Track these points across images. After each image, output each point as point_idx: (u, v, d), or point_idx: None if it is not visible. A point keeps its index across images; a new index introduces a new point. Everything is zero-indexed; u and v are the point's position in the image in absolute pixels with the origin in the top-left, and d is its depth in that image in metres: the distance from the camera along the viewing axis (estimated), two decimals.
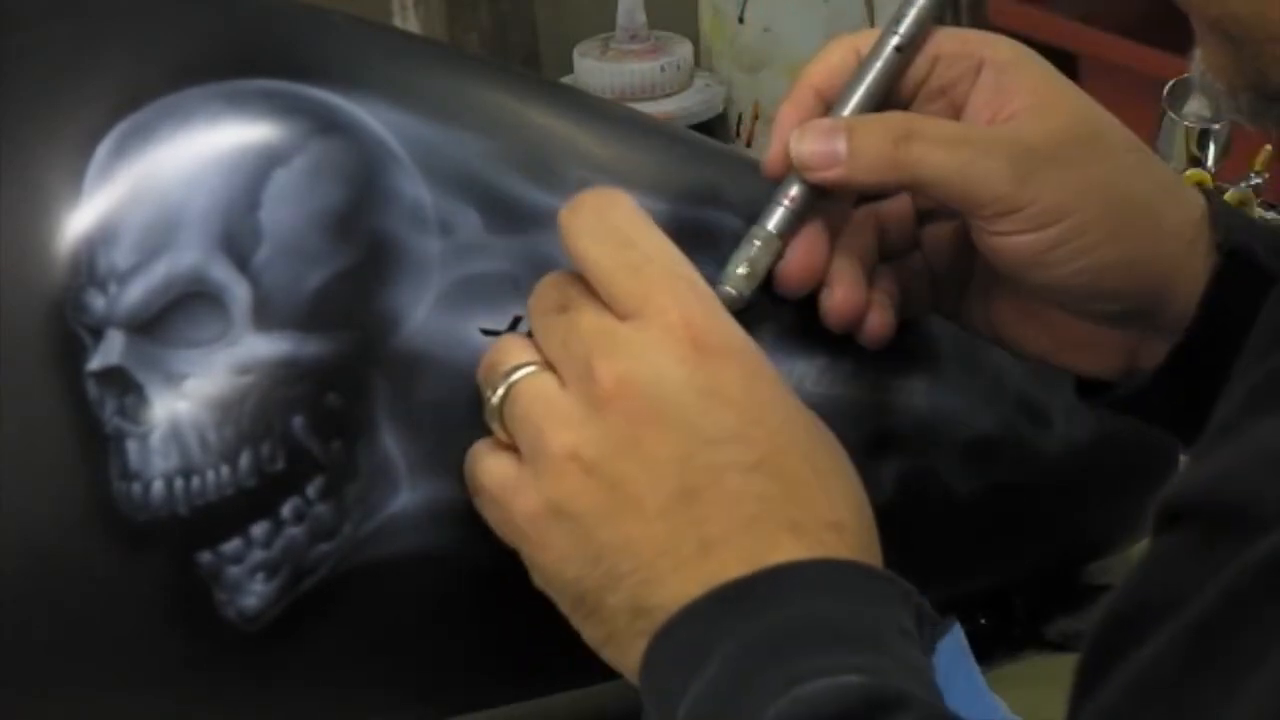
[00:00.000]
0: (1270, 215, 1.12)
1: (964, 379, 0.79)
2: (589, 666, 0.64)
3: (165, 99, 0.66)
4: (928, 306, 0.76)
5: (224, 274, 0.65)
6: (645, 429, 0.62)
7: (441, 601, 0.70)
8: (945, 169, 0.68)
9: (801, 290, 0.71)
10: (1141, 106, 1.01)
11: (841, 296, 0.71)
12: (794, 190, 0.70)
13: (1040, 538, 0.88)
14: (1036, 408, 0.82)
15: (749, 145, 1.22)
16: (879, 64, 0.70)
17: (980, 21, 1.32)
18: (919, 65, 0.71)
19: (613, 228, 0.65)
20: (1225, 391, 0.55)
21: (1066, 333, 0.73)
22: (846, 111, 0.70)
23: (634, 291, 0.64)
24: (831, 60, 0.71)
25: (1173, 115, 1.11)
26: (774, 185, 0.70)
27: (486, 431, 0.66)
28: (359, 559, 0.67)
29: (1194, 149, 1.12)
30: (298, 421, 0.66)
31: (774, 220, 0.70)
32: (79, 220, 0.65)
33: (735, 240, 0.70)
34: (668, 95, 1.19)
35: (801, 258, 0.70)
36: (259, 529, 0.66)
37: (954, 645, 0.65)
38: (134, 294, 0.65)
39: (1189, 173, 1.10)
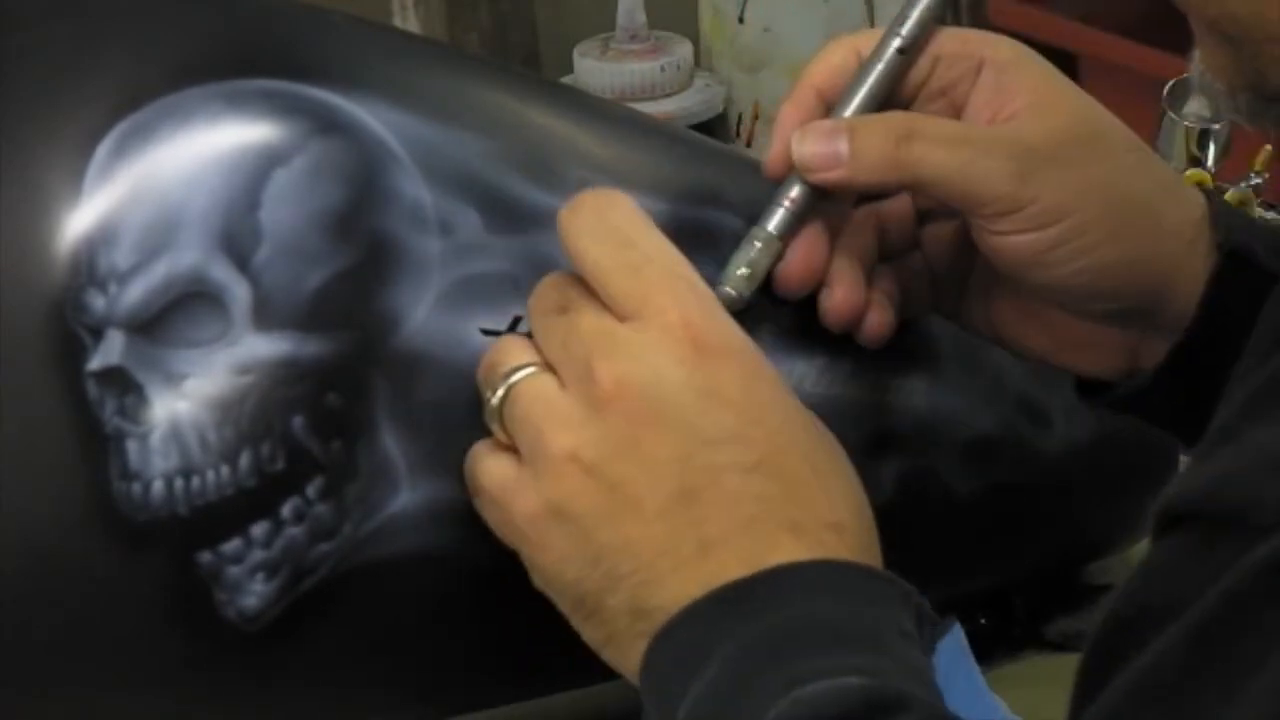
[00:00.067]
0: (1270, 215, 1.12)
1: (964, 379, 0.79)
2: (589, 666, 0.64)
3: (165, 99, 0.66)
4: (927, 306, 0.76)
5: (224, 274, 0.65)
6: (645, 430, 0.62)
7: (441, 601, 0.70)
8: (946, 168, 0.68)
9: (801, 291, 0.71)
10: (1141, 106, 1.01)
11: (841, 297, 0.71)
12: (795, 191, 0.70)
13: (1040, 538, 0.88)
14: (1036, 408, 0.82)
15: (749, 145, 1.22)
16: (881, 65, 0.70)
17: (980, 21, 1.32)
18: (920, 66, 0.71)
19: (612, 228, 0.65)
20: (1225, 394, 0.55)
21: (1066, 332, 0.73)
22: (848, 112, 0.70)
23: (633, 292, 0.64)
24: (832, 60, 0.71)
25: (1173, 115, 1.11)
26: (774, 186, 0.70)
27: (486, 432, 0.66)
28: (359, 559, 0.67)
29: (1194, 149, 1.12)
30: (298, 421, 0.66)
31: (774, 221, 0.70)
32: (79, 220, 0.65)
33: (735, 240, 0.70)
34: (668, 95, 1.19)
35: (801, 259, 0.70)
36: (259, 529, 0.66)
37: (954, 645, 0.65)
38: (134, 294, 0.65)
39: (1189, 173, 1.10)
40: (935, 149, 0.68)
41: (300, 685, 0.69)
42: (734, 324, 0.65)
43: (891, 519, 0.66)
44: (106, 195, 0.65)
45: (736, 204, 0.73)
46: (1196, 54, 0.63)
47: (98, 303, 0.65)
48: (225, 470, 0.65)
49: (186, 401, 0.65)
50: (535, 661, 0.73)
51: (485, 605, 0.70)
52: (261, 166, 0.66)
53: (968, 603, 0.86)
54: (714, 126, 1.20)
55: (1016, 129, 0.69)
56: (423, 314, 0.67)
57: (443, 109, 0.70)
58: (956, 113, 0.71)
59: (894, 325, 0.72)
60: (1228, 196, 1.08)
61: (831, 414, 0.67)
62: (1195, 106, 1.11)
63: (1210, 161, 1.11)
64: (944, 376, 0.78)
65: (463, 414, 0.67)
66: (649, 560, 0.62)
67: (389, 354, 0.67)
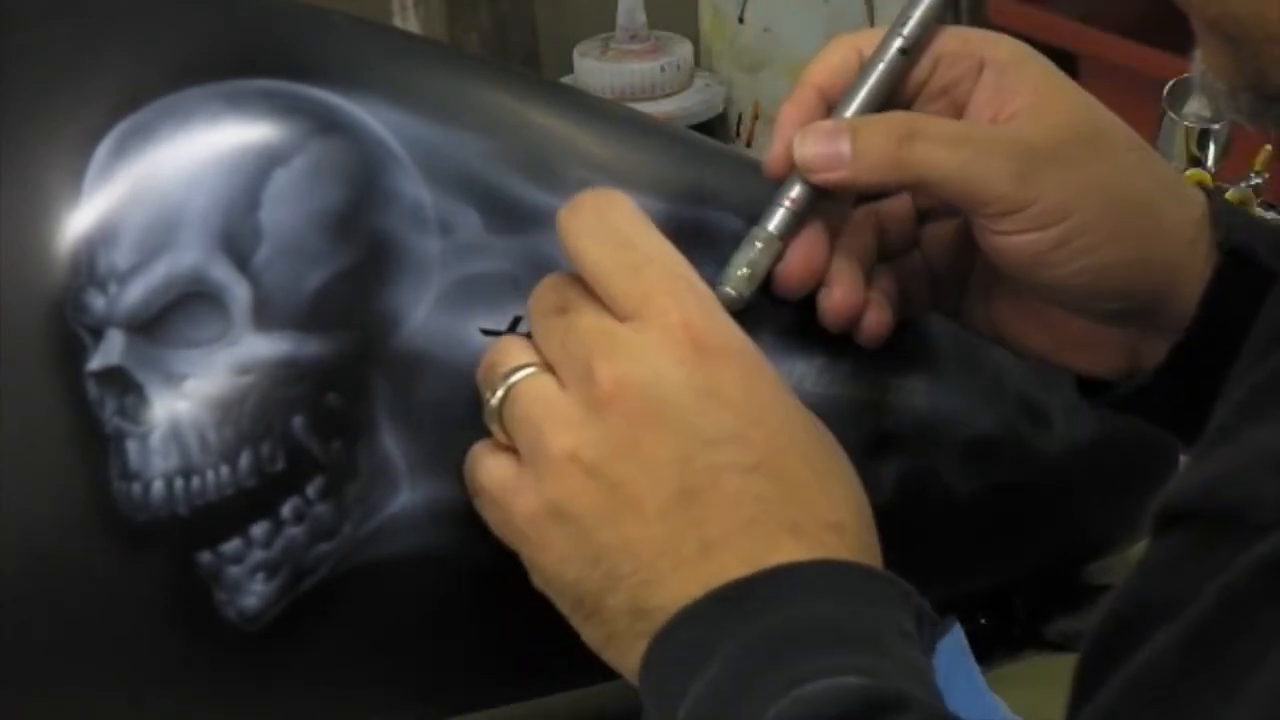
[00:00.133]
0: (1270, 215, 1.12)
1: (964, 379, 0.79)
2: (589, 666, 0.64)
3: (165, 99, 0.66)
4: (927, 306, 0.75)
5: (224, 274, 0.65)
6: (645, 430, 0.62)
7: (441, 601, 0.70)
8: (948, 168, 0.68)
9: (801, 291, 0.71)
10: (1141, 106, 1.01)
11: (840, 297, 0.71)
12: (795, 191, 0.70)
13: (1040, 538, 0.88)
14: (1036, 408, 0.82)
15: (749, 145, 1.22)
16: (883, 65, 0.70)
17: (980, 21, 1.32)
18: (921, 65, 0.71)
19: (612, 228, 0.65)
20: (1224, 392, 0.55)
21: (1067, 332, 0.73)
22: (849, 112, 0.70)
23: (633, 292, 0.64)
24: (833, 60, 0.71)
25: (1173, 115, 1.11)
26: (775, 186, 0.70)
27: (486, 432, 0.66)
28: (359, 559, 0.67)
29: (1194, 149, 1.12)
30: (298, 421, 0.66)
31: (775, 221, 0.70)
32: (79, 220, 0.65)
33: (734, 240, 0.70)
34: (668, 95, 1.19)
35: (801, 259, 0.70)
36: (259, 529, 0.66)
37: (954, 645, 0.65)
38: (134, 294, 0.65)
39: (1189, 173, 1.10)
40: (937, 149, 0.68)
41: (300, 685, 0.69)
42: (734, 324, 0.65)
43: (891, 519, 0.66)
44: (106, 195, 0.65)
45: (736, 204, 0.73)
46: (1197, 54, 0.63)
47: (98, 303, 0.65)
48: (225, 470, 0.65)
49: (186, 401, 0.65)
50: (535, 661, 0.73)
51: (485, 605, 0.70)
52: (261, 166, 0.66)
53: (968, 603, 0.86)
54: (714, 126, 1.20)
55: (1018, 129, 0.69)
56: (423, 314, 0.67)
57: (443, 109, 0.70)
58: (958, 112, 0.71)
59: (893, 325, 0.72)
60: (1228, 196, 1.08)
61: (831, 414, 0.67)
62: (1195, 106, 1.11)
63: (1210, 161, 1.11)
64: (944, 376, 0.78)
65: (463, 414, 0.67)
66: (649, 560, 0.62)
67: (389, 354, 0.67)
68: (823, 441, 0.65)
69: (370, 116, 0.68)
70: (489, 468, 0.65)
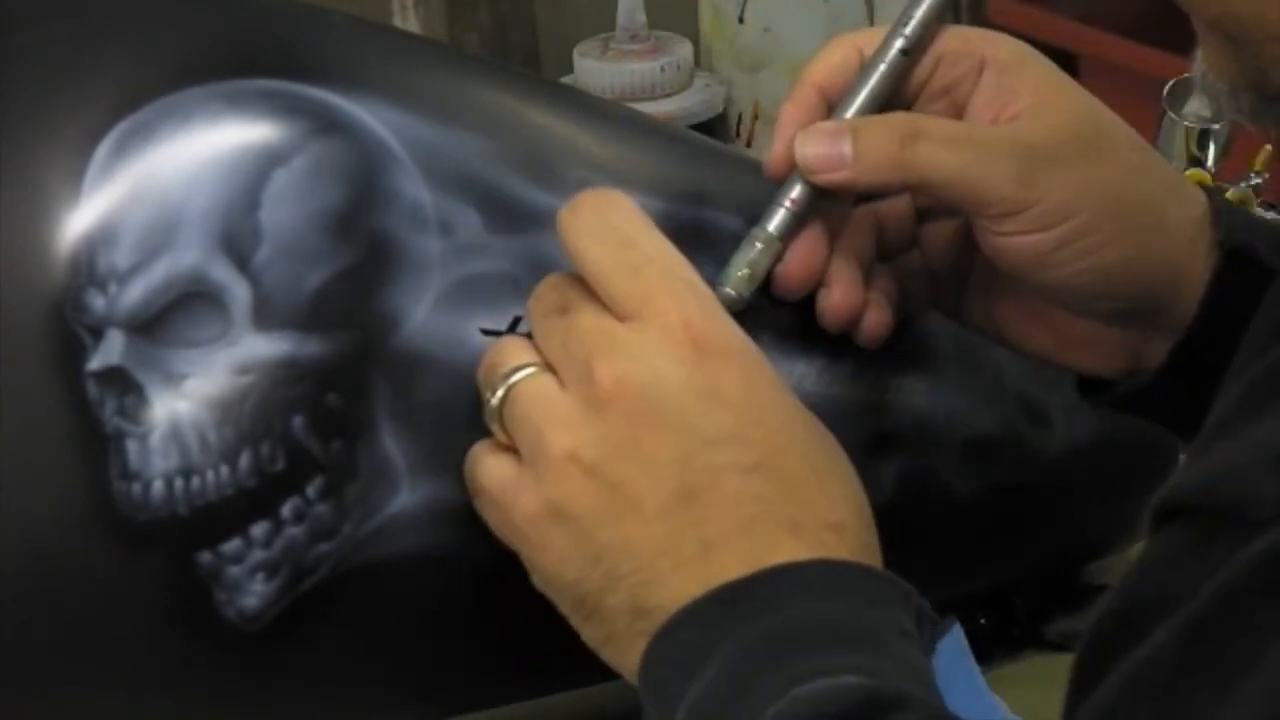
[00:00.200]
0: (1270, 215, 1.12)
1: (964, 379, 0.79)
2: (589, 666, 0.64)
3: (165, 99, 0.66)
4: (926, 305, 0.75)
5: (224, 274, 0.65)
6: (644, 430, 0.62)
7: (441, 601, 0.70)
8: (950, 170, 0.68)
9: (800, 292, 0.71)
10: (1141, 106, 1.01)
11: (839, 298, 0.71)
12: (796, 192, 0.70)
13: (1040, 538, 0.88)
14: (1037, 407, 0.82)
15: (749, 145, 1.22)
16: (884, 66, 0.70)
17: (980, 21, 1.32)
18: (923, 65, 0.71)
19: (612, 228, 0.65)
20: (1222, 389, 0.55)
21: (1068, 332, 0.73)
22: (850, 113, 0.70)
23: (633, 292, 0.64)
24: (833, 59, 0.71)
25: (1173, 115, 1.11)
26: (775, 186, 0.70)
27: (486, 432, 0.66)
28: (359, 559, 0.67)
29: (1194, 149, 1.12)
30: (298, 421, 0.66)
31: (775, 222, 0.70)
32: (79, 220, 0.65)
33: (734, 241, 0.70)
34: (668, 95, 1.19)
35: (800, 260, 0.70)
36: (259, 529, 0.66)
37: (954, 645, 0.65)
38: (134, 294, 0.65)
39: (1189, 172, 1.10)
40: (939, 150, 0.68)
41: (300, 685, 0.69)
42: (734, 324, 0.65)
43: (891, 519, 0.66)
44: (106, 195, 0.65)
45: (736, 204, 0.73)
46: (1199, 53, 0.63)
47: (98, 303, 0.65)
48: (225, 470, 0.65)
49: (186, 401, 0.65)
50: (535, 661, 0.73)
51: (485, 605, 0.70)
52: (261, 166, 0.66)
53: (968, 603, 0.86)
54: (714, 126, 1.20)
55: (1019, 129, 0.69)
56: (423, 314, 0.67)
57: (443, 109, 0.70)
58: (958, 112, 0.71)
59: (892, 325, 0.72)
60: (1228, 196, 1.08)
61: (831, 414, 0.67)
62: (1195, 106, 1.11)
63: (1210, 161, 1.11)
64: (944, 376, 0.78)
65: (463, 414, 0.67)
66: (649, 560, 0.62)
67: (389, 354, 0.67)
68: (823, 441, 0.65)
69: (370, 116, 0.68)
70: (489, 468, 0.65)
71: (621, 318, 0.64)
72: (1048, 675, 0.79)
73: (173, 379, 0.65)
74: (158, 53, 0.68)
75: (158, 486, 0.65)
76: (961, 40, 0.71)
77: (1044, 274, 0.69)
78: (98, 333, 0.65)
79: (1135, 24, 2.03)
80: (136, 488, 0.64)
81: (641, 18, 1.20)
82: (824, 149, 0.69)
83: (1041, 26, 1.97)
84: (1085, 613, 0.91)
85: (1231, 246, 0.71)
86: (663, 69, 1.19)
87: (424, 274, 0.67)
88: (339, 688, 0.70)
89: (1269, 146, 1.11)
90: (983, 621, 0.89)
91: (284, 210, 0.66)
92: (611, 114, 0.78)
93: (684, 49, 1.21)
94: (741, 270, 0.69)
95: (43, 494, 0.65)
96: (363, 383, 0.67)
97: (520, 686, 0.76)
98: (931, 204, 0.73)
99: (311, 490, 0.66)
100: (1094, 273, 0.69)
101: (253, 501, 0.65)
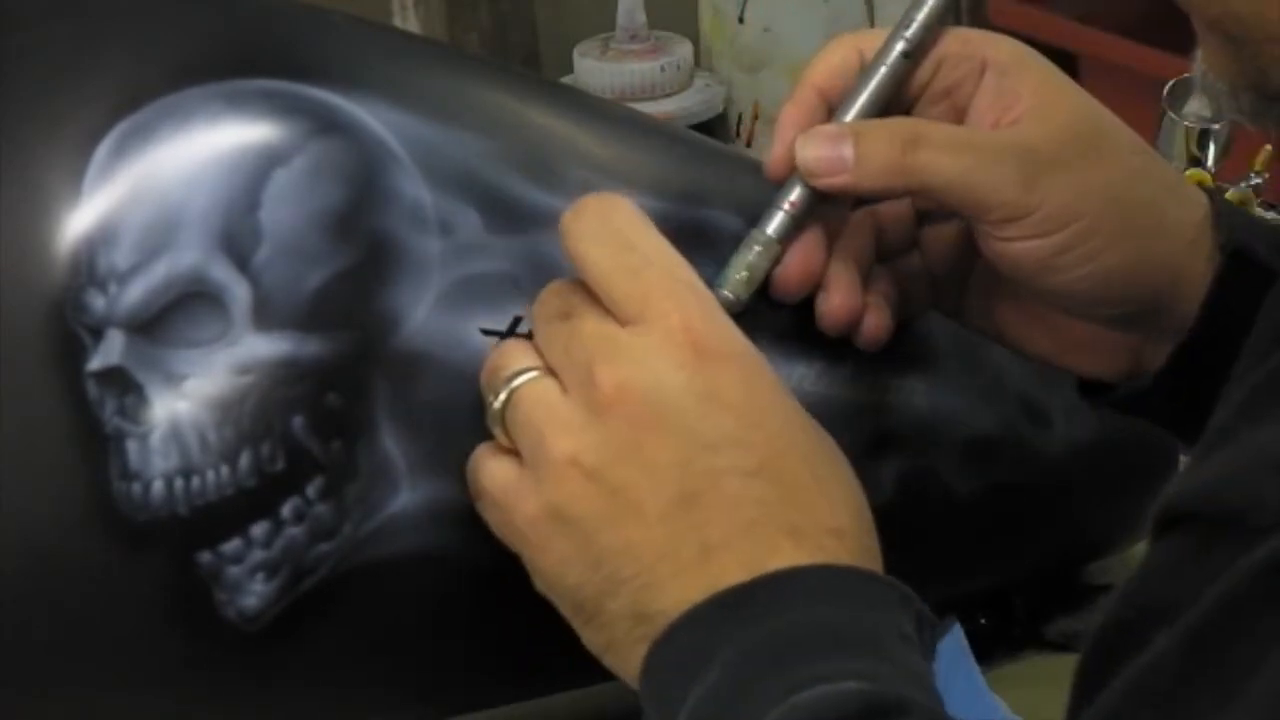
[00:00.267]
0: (1270, 215, 1.12)
1: (964, 379, 0.79)
2: (589, 667, 0.64)
3: (165, 99, 0.66)
4: (926, 307, 0.75)
5: (224, 274, 0.65)
6: (645, 434, 0.62)
7: (441, 601, 0.70)
8: (952, 175, 0.68)
9: (798, 295, 0.71)
10: (1141, 106, 1.01)
11: (838, 302, 0.71)
12: (795, 194, 0.70)
13: (1040, 538, 0.88)
14: (1037, 408, 0.82)
15: (749, 145, 1.22)
16: (885, 68, 0.70)
17: (980, 21, 1.32)
18: (924, 68, 0.70)
19: (614, 231, 0.65)
20: (1224, 393, 0.55)
21: (1070, 334, 0.73)
22: (851, 115, 0.70)
23: (634, 294, 0.64)
24: (833, 60, 0.71)
25: (1173, 115, 1.11)
26: (775, 188, 0.70)
27: (488, 435, 0.66)
28: (359, 559, 0.67)
29: (1194, 149, 1.12)
30: (298, 421, 0.66)
31: (774, 224, 0.70)
32: (79, 220, 0.65)
33: (734, 241, 0.70)
34: (668, 95, 1.19)
35: (799, 263, 0.70)
36: (259, 529, 0.66)
37: (954, 646, 0.65)
38: (134, 294, 0.65)
39: (1189, 173, 1.10)
40: (940, 155, 0.68)
41: (300, 685, 0.69)
42: (734, 327, 0.65)
43: (891, 519, 0.66)
44: (106, 195, 0.65)
45: (736, 204, 0.73)
46: (1199, 53, 0.63)
47: (98, 303, 0.65)
48: (225, 470, 0.65)
49: (186, 401, 0.65)
50: (535, 661, 0.73)
51: (485, 605, 0.70)
52: (261, 166, 0.66)
53: (968, 603, 0.86)
54: (714, 126, 1.20)
55: (1021, 133, 0.69)
56: (423, 314, 0.67)
57: (443, 109, 0.70)
58: (959, 115, 0.71)
59: (892, 328, 0.72)
60: (1228, 196, 1.08)
61: (831, 415, 0.67)
62: (1195, 106, 1.11)
63: (1210, 161, 1.11)
64: (944, 376, 0.78)
65: (463, 414, 0.67)
66: (649, 564, 0.62)
67: (389, 354, 0.67)
68: (823, 445, 0.65)
69: (370, 116, 0.68)
70: (491, 470, 0.65)
71: (623, 322, 0.64)
72: (1048, 675, 0.79)
73: (173, 379, 0.65)
74: (158, 53, 0.68)
75: (158, 486, 0.65)
76: (962, 43, 0.71)
77: (1046, 279, 0.69)
78: (98, 333, 0.64)
79: (1135, 24, 2.03)
80: (136, 488, 0.64)
81: (641, 18, 1.20)
82: (825, 152, 0.69)
83: (1041, 26, 1.97)
84: (1085, 613, 0.91)
85: (1233, 248, 0.71)
86: (663, 69, 1.19)
87: (424, 274, 0.67)
88: (339, 688, 0.70)
89: (1269, 146, 1.11)
90: (983, 621, 0.89)
91: (284, 210, 0.66)
92: (611, 114, 0.78)
93: (684, 49, 1.21)
94: (740, 273, 0.69)
95: (43, 494, 0.65)
96: (363, 383, 0.67)
97: (520, 686, 0.76)
98: (932, 208, 0.73)
99: (311, 490, 0.66)
100: (1096, 277, 0.69)
101: (253, 501, 0.65)
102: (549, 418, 0.63)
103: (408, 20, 1.22)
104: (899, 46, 0.70)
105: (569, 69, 1.22)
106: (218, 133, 0.66)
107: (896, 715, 0.56)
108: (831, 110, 0.70)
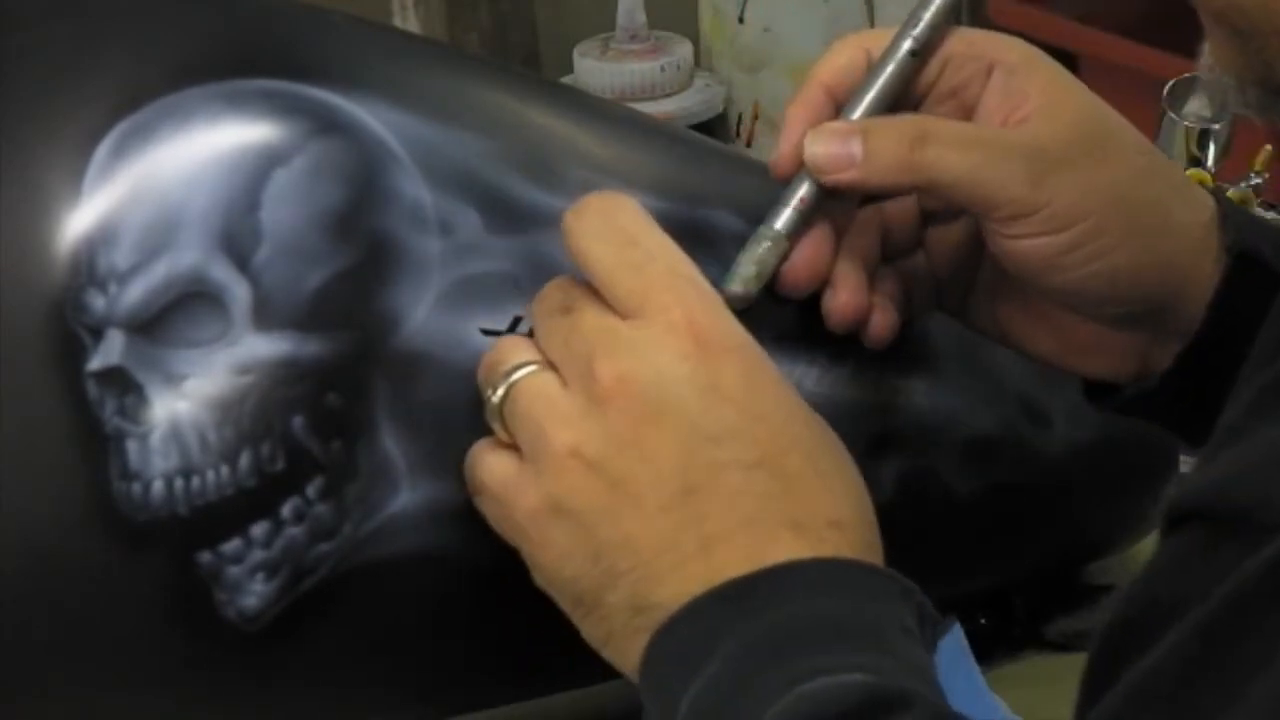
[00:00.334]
0: (1270, 215, 1.12)
1: (964, 379, 0.79)
2: (589, 666, 0.64)
3: (165, 99, 0.66)
4: (931, 306, 0.75)
5: (224, 274, 0.65)
6: (646, 427, 0.62)
7: (441, 601, 0.70)
8: (960, 171, 0.68)
9: (805, 291, 0.71)
10: (1141, 106, 1.01)
11: (845, 299, 0.71)
12: (803, 191, 0.70)
13: (1040, 538, 0.88)
14: (1037, 408, 0.82)
15: (749, 145, 1.22)
16: (892, 67, 0.70)
17: (981, 21, 1.32)
18: (930, 67, 0.70)
19: (617, 228, 0.65)
20: (1232, 394, 0.55)
21: (1075, 335, 0.73)
22: (859, 113, 0.70)
23: (635, 289, 0.64)
24: (841, 60, 0.71)
25: (1173, 115, 1.11)
26: (778, 187, 0.70)
27: (487, 431, 0.66)
28: (359, 559, 0.67)
29: (1194, 149, 1.12)
30: (298, 421, 0.66)
31: (782, 220, 0.70)
32: (79, 220, 0.65)
33: (734, 240, 0.70)
34: (668, 95, 1.19)
35: (806, 259, 0.70)
36: (259, 529, 0.66)
37: (954, 645, 0.65)
38: (134, 294, 0.65)
39: (1189, 172, 1.10)
40: (949, 152, 0.68)
41: (300, 685, 0.69)
42: (736, 321, 0.65)
43: (891, 519, 0.66)
44: (106, 195, 0.65)
45: (736, 204, 0.73)
46: (1206, 48, 0.63)
47: (98, 303, 0.64)
48: (225, 470, 0.65)
49: (186, 401, 0.65)
50: (535, 661, 0.73)
51: (485, 605, 0.70)
52: (261, 166, 0.66)
53: (968, 603, 0.86)
54: (714, 126, 1.20)
55: (1029, 132, 0.69)
56: (423, 314, 0.67)
57: (443, 109, 0.70)
58: (966, 114, 0.71)
59: (898, 327, 0.72)
60: (1228, 196, 1.08)
61: (832, 413, 0.67)
62: (1195, 106, 1.11)
63: (1210, 161, 1.11)
64: (945, 376, 0.78)
65: (463, 414, 0.67)
66: (649, 557, 0.62)
67: (389, 354, 0.67)
68: (825, 439, 0.65)
69: (370, 116, 0.68)
70: (490, 465, 0.65)
71: (624, 316, 0.64)
72: (1048, 675, 0.79)
73: (173, 379, 0.65)
74: (158, 53, 0.68)
75: (158, 486, 0.65)
76: (969, 43, 0.71)
77: (1052, 277, 0.69)
78: (98, 333, 0.64)
79: (1135, 24, 2.03)
80: (136, 488, 0.64)
81: (641, 18, 1.20)
82: (834, 149, 0.69)
83: (1041, 26, 1.97)
84: (1085, 613, 0.91)
85: (1240, 250, 0.71)
86: (663, 69, 1.19)
87: (424, 274, 0.67)
88: (339, 688, 0.70)
89: (1269, 146, 1.11)
90: (983, 621, 0.89)
91: (284, 210, 0.66)
92: (611, 114, 0.78)
93: (684, 49, 1.21)
94: (749, 268, 0.69)
95: (43, 494, 0.65)
96: (363, 383, 0.67)
97: (520, 686, 0.76)
98: (940, 206, 0.73)
99: (311, 490, 0.66)
100: (1102, 276, 0.69)
101: (253, 501, 0.65)
102: (549, 410, 0.63)
103: (408, 20, 1.22)
104: (906, 45, 0.70)
105: (569, 69, 1.22)
106: (218, 133, 0.66)
107: (900, 708, 0.56)
108: (838, 108, 0.70)
